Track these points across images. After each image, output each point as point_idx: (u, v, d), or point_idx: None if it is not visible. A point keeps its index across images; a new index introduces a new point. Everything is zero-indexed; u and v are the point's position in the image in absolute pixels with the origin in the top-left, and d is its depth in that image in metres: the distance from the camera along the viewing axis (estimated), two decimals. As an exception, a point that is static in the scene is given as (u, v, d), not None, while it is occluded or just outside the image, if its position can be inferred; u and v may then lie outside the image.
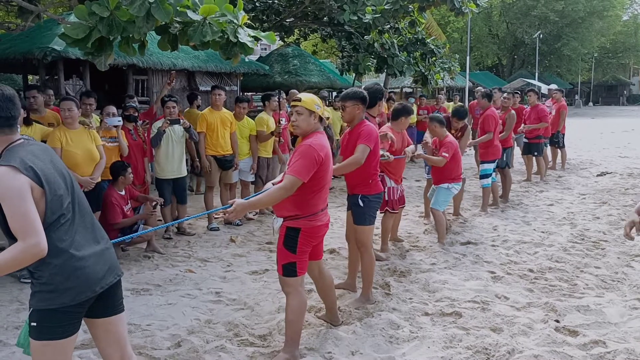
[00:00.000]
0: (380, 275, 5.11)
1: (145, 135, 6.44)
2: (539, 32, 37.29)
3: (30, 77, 12.11)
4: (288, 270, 3.49)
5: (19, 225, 2.08)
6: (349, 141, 4.43)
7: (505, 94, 8.81)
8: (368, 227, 4.44)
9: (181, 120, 6.47)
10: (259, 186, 7.51)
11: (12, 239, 2.13)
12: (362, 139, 4.27)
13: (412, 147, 5.86)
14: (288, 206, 3.43)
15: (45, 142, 4.96)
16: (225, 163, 6.94)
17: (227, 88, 11.38)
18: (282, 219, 3.51)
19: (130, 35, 4.26)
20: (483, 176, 7.74)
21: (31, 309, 2.27)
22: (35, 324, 2.25)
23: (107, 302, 2.44)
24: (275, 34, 8.66)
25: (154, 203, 6.02)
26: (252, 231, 6.79)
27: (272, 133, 7.33)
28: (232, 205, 3.30)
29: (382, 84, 18.70)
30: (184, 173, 6.66)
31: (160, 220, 6.58)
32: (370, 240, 4.48)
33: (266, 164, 7.63)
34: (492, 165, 7.71)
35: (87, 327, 2.49)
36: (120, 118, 5.89)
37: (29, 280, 4.76)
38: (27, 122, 5.07)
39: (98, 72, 9.16)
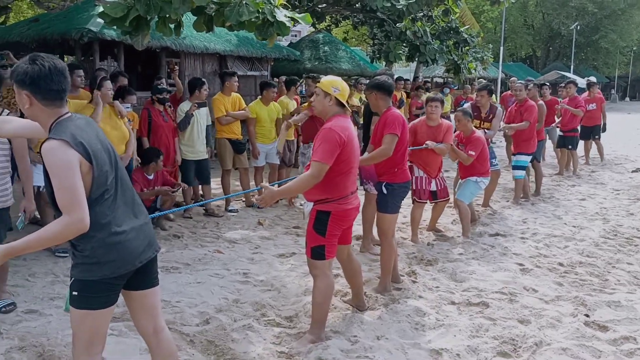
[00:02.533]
0: (406, 262, 5.10)
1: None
2: (576, 23, 36.31)
3: (65, 57, 12.33)
4: (317, 253, 3.51)
5: (65, 199, 2.13)
6: (377, 130, 4.41)
7: (529, 85, 8.63)
8: (390, 215, 4.40)
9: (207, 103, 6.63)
10: (282, 169, 7.58)
11: (58, 211, 2.18)
12: (388, 128, 4.22)
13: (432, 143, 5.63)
14: (318, 190, 3.44)
15: None
16: (240, 146, 6.99)
17: (257, 73, 11.44)
18: (312, 203, 3.52)
19: (167, 15, 4.30)
20: (517, 167, 7.58)
21: (72, 279, 2.33)
22: (76, 293, 2.31)
23: (144, 276, 2.49)
24: (308, 19, 8.64)
25: (176, 187, 6.14)
26: (279, 215, 6.83)
27: (291, 114, 7.43)
28: (261, 189, 3.35)
29: (412, 73, 18.52)
30: (207, 155, 6.80)
31: (179, 202, 6.71)
32: (391, 230, 4.45)
33: (288, 148, 7.68)
34: (528, 158, 7.54)
35: (124, 299, 2.56)
36: (129, 105, 5.73)
37: (64, 254, 4.91)
38: None
39: (132, 54, 9.31)
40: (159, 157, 5.83)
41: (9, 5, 14.92)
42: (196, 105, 6.43)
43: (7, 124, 2.67)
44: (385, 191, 4.38)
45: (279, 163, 7.52)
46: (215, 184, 7.98)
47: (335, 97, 3.47)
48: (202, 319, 3.82)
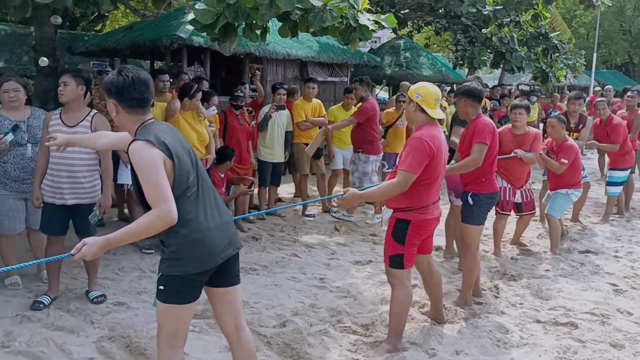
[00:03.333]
0: (488, 277, 4.90)
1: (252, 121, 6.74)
2: (679, 28, 33.77)
3: (155, 63, 12.97)
4: (395, 261, 3.45)
5: (153, 194, 2.24)
6: (465, 138, 4.25)
7: (629, 92, 8.07)
8: (475, 227, 4.24)
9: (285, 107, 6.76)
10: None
11: (147, 207, 2.29)
12: (478, 137, 4.05)
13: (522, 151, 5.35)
14: (399, 198, 3.38)
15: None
16: (317, 151, 6.98)
17: (337, 79, 11.48)
18: (392, 210, 3.47)
19: (254, 22, 4.39)
20: (612, 184, 7.06)
21: (160, 274, 2.44)
22: (162, 287, 2.42)
23: (226, 273, 2.57)
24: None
25: (249, 183, 6.26)
26: (356, 222, 6.79)
27: None
28: (344, 193, 3.35)
29: (497, 80, 17.92)
30: (283, 159, 6.99)
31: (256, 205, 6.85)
32: (475, 242, 4.28)
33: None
34: (625, 173, 7.02)
35: (207, 295, 2.64)
36: (214, 107, 5.89)
37: (150, 251, 5.14)
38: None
39: (217, 60, 9.63)
40: (233, 156, 6.02)
41: (106, 14, 15.95)
42: (274, 107, 6.61)
43: (103, 138, 2.95)
44: (471, 201, 4.24)
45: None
46: (291, 187, 8.08)
47: (417, 103, 3.39)
48: (279, 322, 3.85)
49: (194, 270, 2.39)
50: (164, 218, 2.23)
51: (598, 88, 22.69)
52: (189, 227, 2.37)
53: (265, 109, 6.69)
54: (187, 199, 2.38)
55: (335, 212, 7.05)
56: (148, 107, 2.47)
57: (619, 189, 7.09)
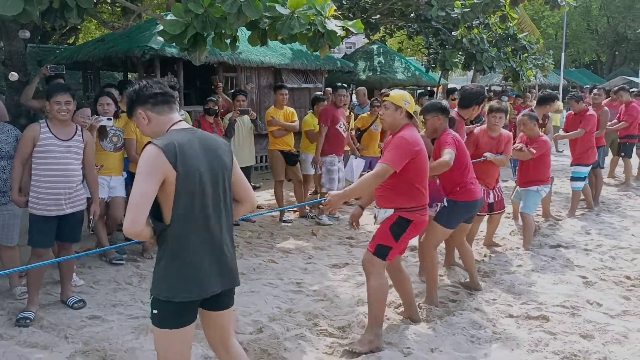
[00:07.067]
0: (462, 274, 4.98)
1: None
2: (644, 26, 34.64)
3: (129, 74, 12.89)
4: (380, 251, 3.57)
5: (131, 200, 2.23)
6: (435, 151, 4.34)
7: (595, 90, 8.35)
8: (443, 228, 4.31)
9: (249, 111, 6.89)
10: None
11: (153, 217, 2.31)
12: (444, 146, 4.14)
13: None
14: (403, 198, 3.56)
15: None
16: (292, 158, 7.07)
17: (311, 85, 11.56)
18: (392, 210, 3.58)
19: (223, 31, 4.43)
20: (576, 179, 7.27)
21: (152, 296, 2.40)
22: (156, 311, 2.37)
23: (217, 299, 2.48)
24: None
25: None
26: (333, 225, 6.84)
27: None
28: (327, 198, 3.44)
29: (469, 82, 18.20)
30: (252, 162, 7.25)
31: None
32: (436, 241, 4.38)
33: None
34: (587, 169, 7.23)
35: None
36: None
37: (120, 262, 5.15)
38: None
39: (190, 70, 9.62)
40: None
41: (79, 27, 15.81)
42: (238, 112, 6.76)
43: None
44: (446, 204, 4.35)
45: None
46: (269, 194, 8.11)
47: (406, 110, 3.60)
48: (255, 328, 3.88)
49: (174, 298, 2.32)
50: (128, 229, 2.20)
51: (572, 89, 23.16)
52: (181, 254, 2.32)
53: (229, 116, 6.83)
54: (187, 224, 2.31)
55: (315, 217, 7.07)
56: (174, 104, 2.47)
57: (583, 184, 7.28)
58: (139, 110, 2.42)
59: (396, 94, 3.66)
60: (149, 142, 2.30)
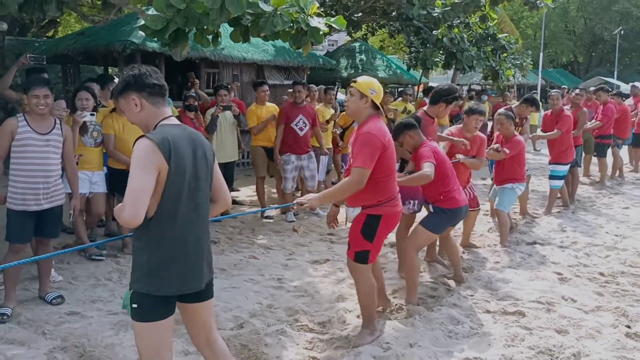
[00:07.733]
0: (440, 271, 5.06)
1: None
2: (620, 28, 35.29)
3: (109, 69, 12.75)
4: (360, 257, 3.54)
5: (128, 195, 2.21)
6: (415, 164, 4.34)
7: (577, 90, 8.52)
8: (428, 232, 4.34)
9: (232, 107, 6.85)
10: None
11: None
12: (424, 159, 4.13)
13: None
14: (369, 194, 3.44)
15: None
16: (273, 153, 7.05)
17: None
18: (360, 208, 3.52)
19: (205, 27, 4.41)
20: (554, 177, 7.39)
21: (131, 290, 2.39)
22: (135, 305, 2.37)
23: (197, 292, 2.48)
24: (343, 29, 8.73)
25: None
26: (314, 222, 6.87)
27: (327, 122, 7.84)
28: (306, 199, 3.40)
29: (449, 81, 18.36)
30: (235, 158, 7.21)
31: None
32: (420, 245, 4.44)
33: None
34: (565, 168, 7.35)
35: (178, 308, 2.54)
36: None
37: (99, 258, 5.12)
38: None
39: (172, 65, 9.55)
40: None
41: (58, 20, 15.55)
42: (221, 107, 6.74)
43: None
44: (432, 209, 4.42)
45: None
46: (251, 190, 8.11)
47: (371, 100, 3.46)
48: (236, 323, 3.89)
49: (157, 292, 2.33)
50: (129, 222, 2.21)
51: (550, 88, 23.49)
52: (162, 247, 2.33)
53: (211, 110, 6.80)
54: (171, 217, 2.33)
55: (296, 215, 7.09)
56: (166, 98, 2.44)
57: (561, 182, 7.41)
58: (132, 95, 2.36)
59: (363, 81, 3.49)
60: (142, 136, 2.29)
